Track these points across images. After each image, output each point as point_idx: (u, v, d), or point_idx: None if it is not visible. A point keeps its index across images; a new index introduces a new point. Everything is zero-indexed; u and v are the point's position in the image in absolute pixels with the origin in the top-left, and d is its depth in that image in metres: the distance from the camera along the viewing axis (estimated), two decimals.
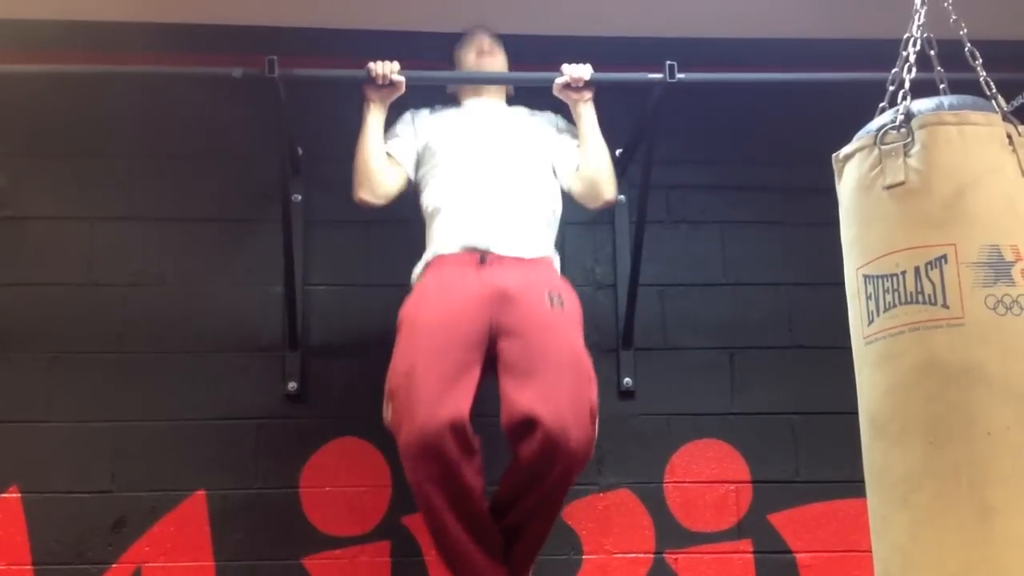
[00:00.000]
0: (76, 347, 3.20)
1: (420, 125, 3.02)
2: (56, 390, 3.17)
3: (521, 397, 2.55)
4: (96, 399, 3.17)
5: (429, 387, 2.54)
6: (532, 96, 3.14)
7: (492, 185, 2.85)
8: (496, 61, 3.10)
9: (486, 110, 3.05)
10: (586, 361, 2.69)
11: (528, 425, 2.51)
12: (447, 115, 3.05)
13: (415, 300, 2.77)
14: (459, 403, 2.53)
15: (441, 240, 2.83)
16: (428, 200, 2.92)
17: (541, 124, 3.06)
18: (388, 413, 2.65)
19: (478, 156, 2.89)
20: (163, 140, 3.37)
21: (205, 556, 3.08)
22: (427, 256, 2.85)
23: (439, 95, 3.17)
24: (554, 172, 3.00)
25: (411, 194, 3.00)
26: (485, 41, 3.11)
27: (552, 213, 2.94)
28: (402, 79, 2.89)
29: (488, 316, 2.66)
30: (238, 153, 3.36)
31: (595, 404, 2.65)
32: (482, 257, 2.75)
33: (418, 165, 2.99)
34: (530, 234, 2.83)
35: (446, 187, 2.88)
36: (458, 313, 2.66)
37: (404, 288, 2.90)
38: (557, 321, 2.70)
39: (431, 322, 2.66)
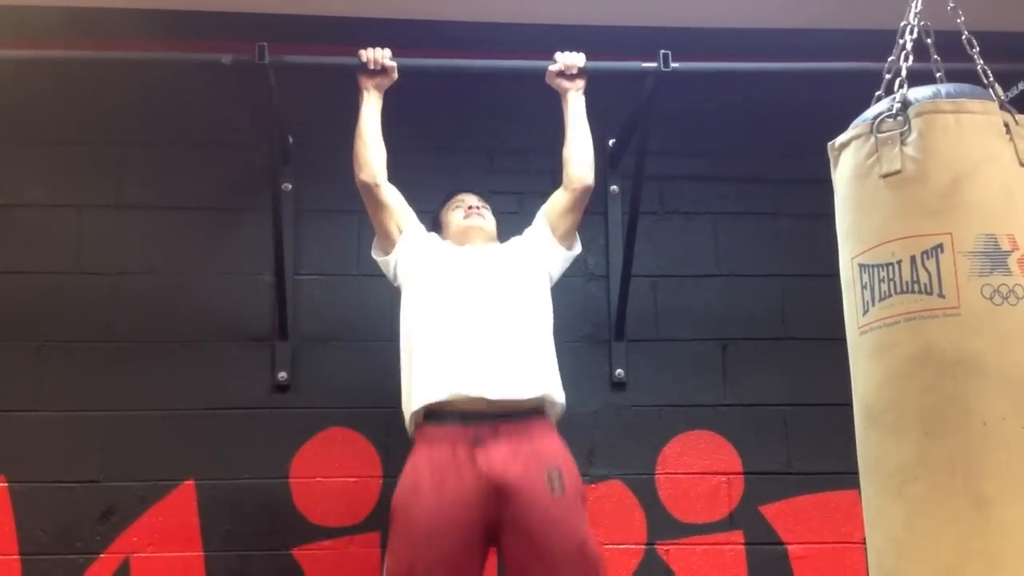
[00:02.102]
0: (64, 336, 3.18)
1: (421, 229, 2.91)
2: (44, 379, 3.15)
3: None
4: (84, 388, 3.15)
5: None
6: (524, 85, 3.10)
7: (479, 321, 2.69)
8: (486, 222, 2.95)
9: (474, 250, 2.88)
10: (593, 554, 2.58)
11: None
12: (445, 244, 2.91)
13: (408, 490, 2.60)
14: None
15: (428, 383, 2.65)
16: (410, 333, 2.75)
17: (524, 236, 2.94)
18: None
19: (462, 290, 2.74)
20: (152, 128, 3.34)
21: (194, 546, 3.07)
22: (414, 404, 2.67)
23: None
24: (548, 272, 2.88)
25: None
26: (472, 201, 2.97)
27: (546, 332, 2.78)
28: (394, 64, 2.87)
29: (486, 513, 2.54)
30: (228, 141, 3.34)
31: None
32: (475, 436, 2.58)
33: (404, 256, 2.86)
34: (525, 372, 2.67)
35: (428, 321, 2.72)
36: (455, 514, 2.53)
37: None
38: (560, 513, 2.56)
39: (427, 524, 2.53)
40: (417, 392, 2.66)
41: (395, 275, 2.87)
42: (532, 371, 2.69)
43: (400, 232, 2.87)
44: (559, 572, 2.50)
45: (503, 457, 2.56)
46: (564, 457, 2.66)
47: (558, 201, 2.92)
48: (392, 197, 2.88)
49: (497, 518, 2.54)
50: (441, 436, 2.61)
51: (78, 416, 3.13)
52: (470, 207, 2.96)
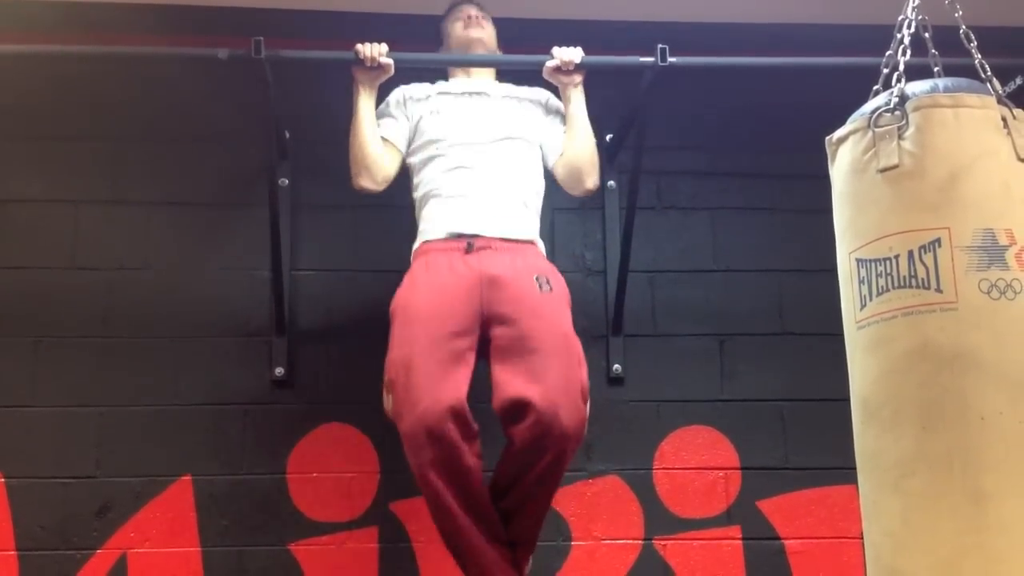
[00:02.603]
0: (61, 331, 3.17)
1: (410, 104, 2.99)
2: (41, 374, 3.14)
3: (512, 381, 2.59)
4: (81, 384, 3.14)
5: (427, 376, 2.58)
6: (522, 73, 3.10)
7: (479, 170, 2.84)
8: (485, 32, 3.04)
9: (475, 89, 3.01)
10: (576, 343, 2.71)
11: (520, 408, 2.54)
12: (437, 95, 3.01)
13: (406, 289, 2.77)
14: (458, 389, 2.57)
15: (429, 226, 2.83)
16: (418, 186, 2.91)
17: (530, 103, 3.02)
18: (388, 403, 2.68)
19: (466, 141, 2.87)
20: (149, 123, 3.34)
21: (191, 542, 3.06)
22: (416, 243, 2.86)
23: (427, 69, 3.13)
24: (542, 152, 2.98)
25: (399, 176, 2.97)
26: (472, 11, 3.05)
27: (536, 196, 2.93)
28: (390, 61, 2.86)
29: (479, 302, 2.68)
30: (224, 136, 3.33)
31: (586, 385, 2.67)
32: (468, 244, 2.75)
33: (409, 143, 2.96)
34: (516, 219, 2.83)
35: (434, 173, 2.87)
36: (450, 301, 2.68)
37: (392, 274, 2.88)
38: (546, 305, 2.71)
39: (424, 312, 2.67)
40: (420, 235, 2.84)
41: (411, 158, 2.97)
42: (523, 219, 2.85)
43: (401, 150, 2.95)
44: (540, 354, 2.61)
45: (494, 260, 2.73)
46: (552, 271, 2.81)
47: (551, 166, 2.98)
48: (397, 160, 2.94)
49: (488, 311, 2.67)
50: (437, 247, 2.78)
51: (74, 411, 3.12)
52: (469, 16, 3.02)
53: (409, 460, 2.59)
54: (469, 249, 2.74)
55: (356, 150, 2.87)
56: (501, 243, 2.77)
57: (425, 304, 2.69)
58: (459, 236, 2.77)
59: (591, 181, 2.95)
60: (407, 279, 2.80)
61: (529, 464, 2.56)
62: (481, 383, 2.67)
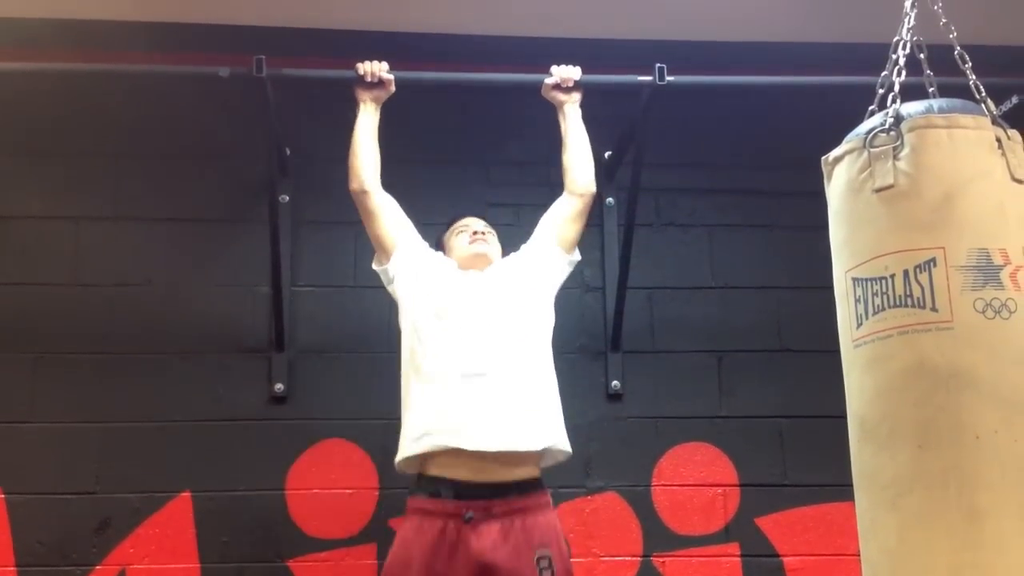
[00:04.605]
0: (61, 347, 3.18)
1: (423, 248, 2.87)
2: (41, 390, 3.15)
3: None
4: (81, 400, 3.15)
5: None
6: (520, 98, 3.10)
7: (481, 362, 2.63)
8: (490, 248, 2.88)
9: (481, 278, 2.82)
10: None
11: None
12: (445, 266, 2.86)
13: (399, 564, 2.58)
14: None
15: (427, 429, 2.60)
16: (409, 360, 2.71)
17: (524, 253, 2.89)
18: None
19: (467, 325, 2.68)
20: (150, 140, 3.35)
21: (190, 558, 3.07)
22: (409, 448, 2.62)
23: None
24: (549, 278, 2.85)
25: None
26: (479, 226, 2.89)
27: (552, 379, 2.72)
28: (391, 78, 2.87)
29: None
30: (225, 153, 3.34)
31: None
32: (466, 516, 2.54)
33: (402, 268, 2.82)
34: (528, 421, 2.62)
35: (430, 358, 2.66)
36: None
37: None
38: None
39: None
40: (413, 437, 2.61)
41: (394, 290, 2.84)
42: (537, 420, 2.63)
43: (395, 245, 2.83)
44: None
45: (493, 540, 2.53)
46: (556, 540, 2.61)
47: (564, 209, 2.89)
48: (385, 207, 2.85)
49: None
50: (432, 510, 2.58)
51: (75, 428, 3.13)
52: (475, 232, 2.88)
53: None
54: (468, 521, 2.54)
55: (352, 158, 2.85)
56: (501, 505, 2.56)
57: None
58: (456, 495, 2.56)
59: (593, 186, 2.90)
60: (399, 546, 2.61)
61: None
62: None
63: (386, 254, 2.85)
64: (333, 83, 3.02)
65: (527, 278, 2.81)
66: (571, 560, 2.68)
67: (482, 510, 2.55)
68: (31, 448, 3.10)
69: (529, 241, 2.92)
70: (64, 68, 3.08)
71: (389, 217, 2.85)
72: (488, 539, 2.53)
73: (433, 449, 2.58)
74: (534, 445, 2.61)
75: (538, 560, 2.54)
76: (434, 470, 2.60)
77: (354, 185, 2.84)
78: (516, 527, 2.56)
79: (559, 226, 2.88)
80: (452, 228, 2.95)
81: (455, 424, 2.57)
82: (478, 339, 2.66)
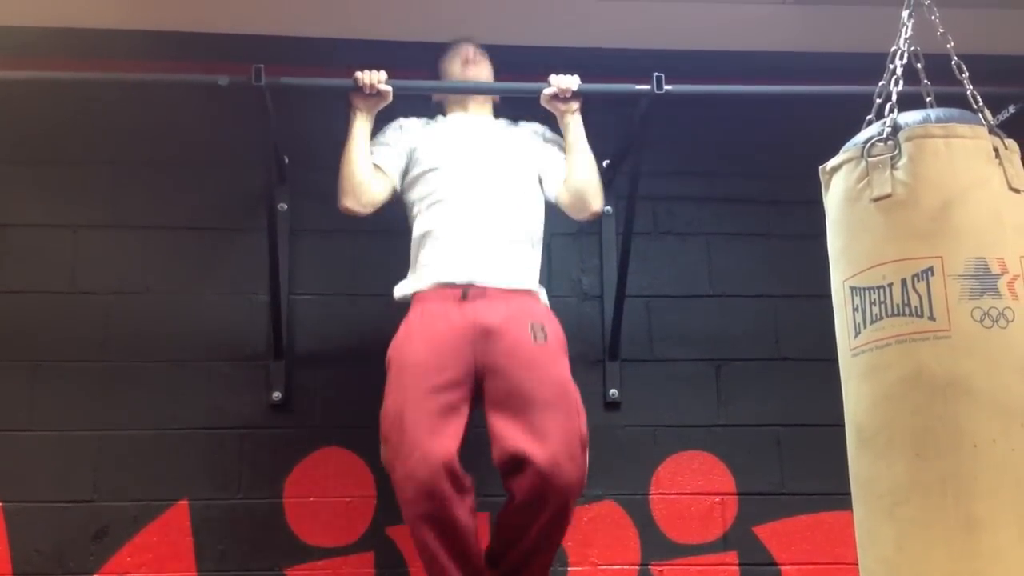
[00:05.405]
0: (58, 355, 3.17)
1: (408, 136, 3.01)
2: (38, 398, 3.14)
3: (510, 435, 2.58)
4: (78, 408, 3.14)
5: (419, 430, 2.57)
6: (518, 107, 3.13)
7: (477, 212, 2.84)
8: (482, 71, 3.06)
9: (472, 125, 3.03)
10: (573, 393, 2.70)
11: (519, 463, 2.54)
12: (434, 129, 3.04)
13: (401, 340, 2.76)
14: (449, 444, 2.56)
15: (425, 272, 2.83)
16: (413, 222, 2.92)
17: (527, 137, 3.05)
18: (384, 453, 2.69)
19: (464, 181, 2.88)
20: (148, 148, 3.35)
21: (188, 566, 3.06)
22: (410, 284, 2.85)
23: (425, 105, 3.16)
24: (540, 184, 2.99)
25: (396, 203, 2.99)
26: (470, 51, 3.07)
27: (537, 238, 2.94)
28: (389, 88, 2.88)
29: (473, 354, 2.68)
30: (224, 161, 3.34)
31: (585, 435, 2.66)
32: (464, 292, 2.74)
33: (404, 174, 2.98)
34: (513, 267, 2.83)
35: (432, 213, 2.87)
36: (443, 354, 2.67)
37: (390, 298, 2.89)
38: (542, 355, 2.70)
39: (417, 364, 2.67)
40: (414, 274, 2.84)
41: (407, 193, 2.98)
42: (521, 266, 2.84)
43: (395, 178, 2.97)
44: (537, 407, 2.60)
45: (489, 309, 2.72)
46: (548, 317, 2.80)
47: (555, 194, 2.98)
48: (385, 194, 2.96)
49: (483, 362, 2.66)
50: (432, 296, 2.77)
51: (72, 435, 3.12)
52: (467, 57, 3.04)
53: (402, 512, 2.61)
54: (464, 297, 2.74)
55: (344, 170, 2.90)
56: (496, 292, 2.76)
57: (417, 355, 2.68)
58: (454, 285, 2.77)
59: (596, 204, 2.97)
60: (403, 328, 2.79)
61: (531, 518, 2.56)
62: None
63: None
64: (332, 92, 3.03)
65: (524, 158, 2.99)
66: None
67: (478, 292, 2.75)
68: (28, 456, 3.10)
69: (529, 137, 3.05)
70: (63, 77, 3.07)
71: (395, 178, 2.98)
72: (484, 309, 2.72)
73: (429, 287, 2.79)
74: (520, 285, 2.82)
75: (532, 326, 2.72)
76: None
77: (348, 204, 2.92)
78: (511, 307, 2.75)
79: (546, 184, 3.00)
80: (448, 54, 3.10)
81: (456, 263, 2.78)
82: (479, 194, 2.85)
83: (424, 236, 2.85)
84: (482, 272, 2.77)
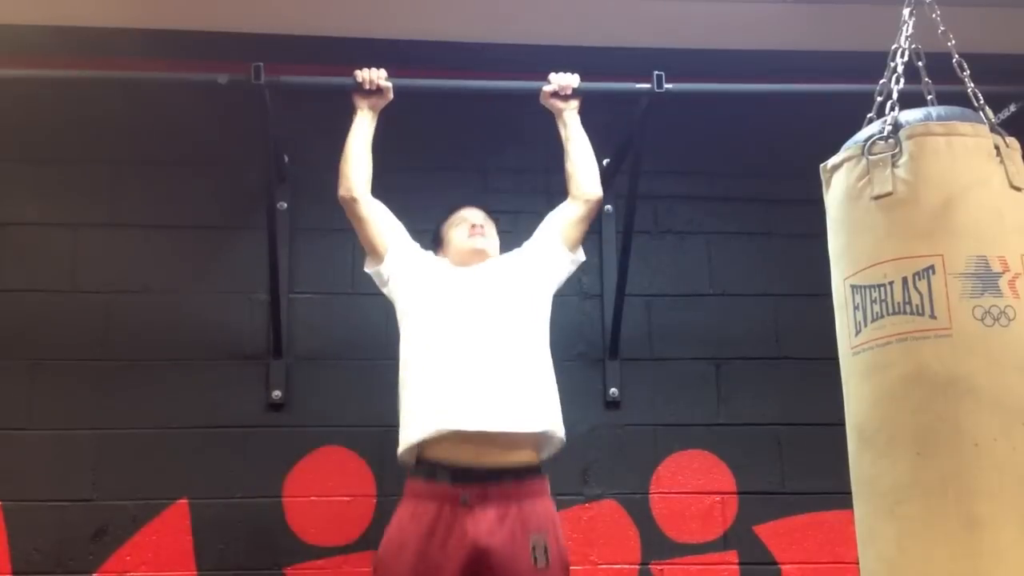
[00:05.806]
0: (58, 354, 3.17)
1: (416, 247, 2.86)
2: (37, 397, 3.14)
3: None
4: (78, 407, 3.14)
5: None
6: (519, 106, 3.11)
7: (479, 353, 2.63)
8: (488, 243, 2.86)
9: (475, 273, 2.81)
10: None
11: None
12: (437, 266, 2.85)
13: (393, 547, 2.56)
14: None
15: (422, 420, 2.59)
16: (406, 363, 2.71)
17: (526, 249, 2.88)
18: None
19: (463, 320, 2.68)
20: (148, 146, 3.35)
21: (187, 565, 3.06)
22: (414, 433, 2.60)
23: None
24: (557, 243, 2.85)
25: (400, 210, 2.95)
26: (478, 219, 2.88)
27: (549, 367, 2.72)
28: (389, 85, 2.87)
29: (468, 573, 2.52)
30: (223, 160, 3.34)
31: None
32: (463, 499, 2.53)
33: (395, 269, 2.81)
34: (526, 403, 2.61)
35: (426, 354, 2.66)
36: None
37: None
38: None
39: None
40: (412, 425, 2.60)
41: (389, 291, 2.84)
42: (535, 403, 2.63)
43: (386, 248, 2.81)
44: None
45: (489, 523, 2.52)
46: (552, 524, 2.60)
47: (569, 212, 2.88)
48: (374, 212, 2.83)
49: None
50: (429, 494, 2.57)
51: (71, 434, 3.12)
52: (473, 225, 2.86)
53: None
54: (464, 503, 2.53)
55: (342, 164, 2.84)
56: (497, 488, 2.55)
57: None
58: (452, 478, 2.54)
59: (599, 190, 2.88)
60: (394, 527, 2.60)
61: None
62: None
63: (378, 257, 2.84)
64: (331, 90, 3.02)
65: (528, 271, 2.81)
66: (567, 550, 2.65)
67: (478, 494, 2.53)
68: (28, 455, 3.10)
69: (532, 238, 2.90)
70: (62, 75, 3.08)
71: (379, 221, 2.84)
72: (484, 523, 2.52)
73: (433, 434, 2.56)
74: (534, 427, 2.60)
75: (533, 547, 2.52)
76: (432, 454, 2.59)
77: (343, 192, 2.83)
78: (512, 512, 2.54)
79: (564, 227, 2.87)
80: (450, 220, 2.92)
81: (455, 407, 2.56)
82: (477, 330, 2.66)
83: (415, 379, 2.65)
84: (491, 416, 2.55)
